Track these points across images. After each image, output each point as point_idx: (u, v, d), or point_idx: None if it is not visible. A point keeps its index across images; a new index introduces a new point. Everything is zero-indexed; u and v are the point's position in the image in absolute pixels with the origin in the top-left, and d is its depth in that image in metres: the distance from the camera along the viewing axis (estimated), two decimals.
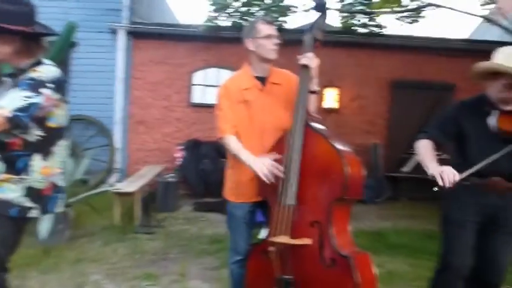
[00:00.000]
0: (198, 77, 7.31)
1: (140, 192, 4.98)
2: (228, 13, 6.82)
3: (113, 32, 7.16)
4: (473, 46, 7.18)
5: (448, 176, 1.98)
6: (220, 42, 6.95)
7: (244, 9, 6.86)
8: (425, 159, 2.21)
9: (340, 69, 7.42)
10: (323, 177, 2.03)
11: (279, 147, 2.17)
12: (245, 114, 2.27)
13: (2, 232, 1.85)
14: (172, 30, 7.22)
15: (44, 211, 1.93)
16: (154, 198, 5.76)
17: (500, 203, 2.19)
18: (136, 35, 7.23)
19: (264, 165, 2.09)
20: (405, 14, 7.15)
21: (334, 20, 8.15)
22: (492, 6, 7.41)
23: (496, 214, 2.20)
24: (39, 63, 1.92)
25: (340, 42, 7.29)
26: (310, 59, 2.16)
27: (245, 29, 2.35)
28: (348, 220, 2.14)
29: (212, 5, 6.74)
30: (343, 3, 7.13)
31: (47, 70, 1.90)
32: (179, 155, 6.71)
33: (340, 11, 7.19)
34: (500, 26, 6.66)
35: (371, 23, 7.29)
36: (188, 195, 6.65)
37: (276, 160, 2.11)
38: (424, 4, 6.80)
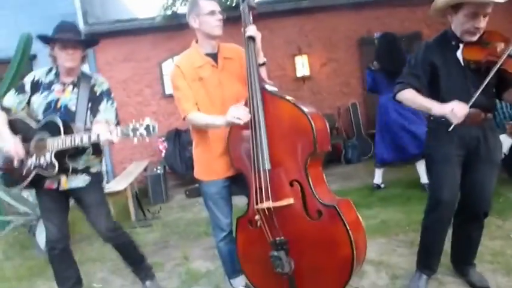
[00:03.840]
0: (167, 67, 7.25)
1: (130, 189, 4.98)
2: None
3: None
4: None
5: (459, 110, 2.01)
6: (181, 30, 6.86)
7: None
8: (422, 103, 2.20)
9: (306, 36, 7.45)
10: (292, 136, 2.07)
11: None
12: (203, 92, 2.27)
13: (103, 192, 2.70)
14: (131, 25, 7.10)
15: None
16: (147, 193, 5.79)
17: (479, 134, 2.24)
18: (95, 36, 7.09)
19: (233, 113, 2.08)
20: None
21: None
22: None
23: (477, 145, 2.25)
24: (87, 74, 2.55)
25: (302, 9, 7.29)
26: (254, 31, 2.18)
27: (188, 8, 2.32)
28: (322, 172, 2.20)
29: None
30: None
31: (103, 78, 2.59)
32: (162, 146, 6.70)
33: None
34: None
35: None
36: (178, 184, 6.70)
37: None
38: None
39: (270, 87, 2.20)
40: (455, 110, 2.01)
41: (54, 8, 6.99)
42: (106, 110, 2.46)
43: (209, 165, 2.34)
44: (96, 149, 2.52)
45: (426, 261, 2.47)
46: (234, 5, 6.38)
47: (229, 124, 2.14)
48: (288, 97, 2.14)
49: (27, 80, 2.50)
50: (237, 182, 2.35)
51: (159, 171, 5.91)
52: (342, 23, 7.48)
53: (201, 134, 2.33)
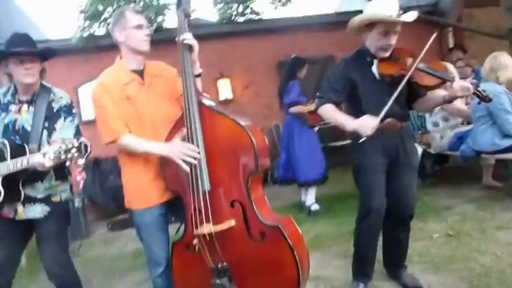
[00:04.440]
0: (84, 91, 6.86)
1: None
2: (102, 20, 6.48)
3: None
4: (343, 18, 7.73)
5: (368, 123, 2.11)
6: (99, 52, 6.58)
7: None
8: (337, 118, 2.31)
9: (228, 60, 7.56)
10: (233, 154, 1.98)
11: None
12: (131, 111, 2.10)
13: (65, 224, 2.36)
14: (42, 47, 6.63)
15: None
16: None
17: (398, 142, 2.41)
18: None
19: (181, 151, 1.97)
20: None
21: (211, 17, 8.24)
22: None
23: (397, 152, 2.41)
24: (47, 87, 2.31)
25: (223, 34, 7.41)
26: (191, 39, 2.09)
27: (113, 20, 2.18)
28: (262, 190, 2.14)
29: (81, 13, 6.33)
30: None
31: (63, 92, 2.35)
32: (80, 177, 6.25)
33: (215, 3, 7.31)
34: None
35: (247, 11, 7.52)
36: (100, 217, 6.25)
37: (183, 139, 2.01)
38: None
39: (207, 102, 2.09)
40: (364, 124, 2.13)
41: None
42: (63, 128, 2.24)
43: (142, 191, 2.15)
44: (60, 174, 2.29)
45: (361, 269, 2.55)
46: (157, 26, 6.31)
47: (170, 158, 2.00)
48: (226, 112, 2.06)
49: None
50: (174, 208, 2.19)
51: (77, 204, 5.47)
52: (261, 47, 7.70)
53: (132, 156, 2.13)
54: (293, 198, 5.52)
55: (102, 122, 2.11)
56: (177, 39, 2.12)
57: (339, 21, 7.61)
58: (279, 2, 7.61)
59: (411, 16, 2.26)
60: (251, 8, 7.48)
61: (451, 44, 8.24)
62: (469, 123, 4.29)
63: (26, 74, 2.18)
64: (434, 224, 3.62)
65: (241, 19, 7.58)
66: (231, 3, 7.41)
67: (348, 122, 2.24)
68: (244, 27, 7.56)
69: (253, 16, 7.54)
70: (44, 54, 2.28)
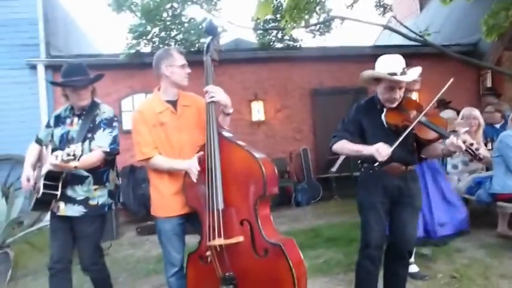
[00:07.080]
0: (126, 103, 7.38)
1: None
2: (148, 39, 7.00)
3: (32, 67, 7.09)
4: (379, 51, 7.94)
5: (383, 150, 2.35)
6: (143, 68, 7.09)
7: (163, 34, 7.09)
8: (354, 147, 2.54)
9: (263, 83, 7.89)
10: (245, 180, 2.28)
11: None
12: (163, 136, 2.47)
13: (99, 226, 2.71)
14: (93, 60, 7.23)
15: (116, 203, 2.85)
16: None
17: (401, 183, 2.59)
18: (55, 68, 7.10)
19: (193, 165, 2.33)
20: (315, 27, 7.80)
21: (252, 38, 8.64)
22: (389, 14, 8.30)
23: (399, 193, 2.60)
24: (96, 104, 2.73)
25: (260, 58, 7.77)
26: (215, 93, 2.38)
27: (160, 55, 2.52)
28: (269, 212, 2.40)
29: (130, 32, 6.88)
30: (257, 21, 7.65)
31: (107, 108, 2.74)
32: None
33: (255, 29, 7.70)
34: (398, 32, 7.48)
35: (286, 37, 7.86)
36: (130, 221, 6.65)
37: (199, 160, 2.35)
38: (330, 18, 7.48)
39: (226, 133, 2.41)
40: (380, 149, 2.35)
41: (18, 38, 7.07)
42: (100, 137, 2.62)
43: (165, 203, 2.49)
44: (99, 180, 2.67)
45: None
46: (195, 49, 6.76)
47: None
48: (242, 143, 2.36)
49: (52, 115, 2.81)
50: (191, 221, 2.50)
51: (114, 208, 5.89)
52: (296, 74, 8.01)
53: (158, 173, 2.49)
54: (313, 222, 5.70)
55: (136, 144, 2.49)
56: (205, 90, 2.42)
57: (374, 54, 7.82)
58: (317, 31, 7.90)
59: (412, 76, 2.48)
60: (290, 35, 7.80)
61: (489, 85, 8.25)
62: (488, 170, 4.38)
63: (80, 99, 2.65)
64: (442, 265, 3.70)
65: (279, 45, 7.92)
66: (270, 30, 7.78)
67: (364, 148, 2.47)
68: (281, 53, 7.89)
69: (291, 43, 7.86)
70: (93, 81, 2.70)
